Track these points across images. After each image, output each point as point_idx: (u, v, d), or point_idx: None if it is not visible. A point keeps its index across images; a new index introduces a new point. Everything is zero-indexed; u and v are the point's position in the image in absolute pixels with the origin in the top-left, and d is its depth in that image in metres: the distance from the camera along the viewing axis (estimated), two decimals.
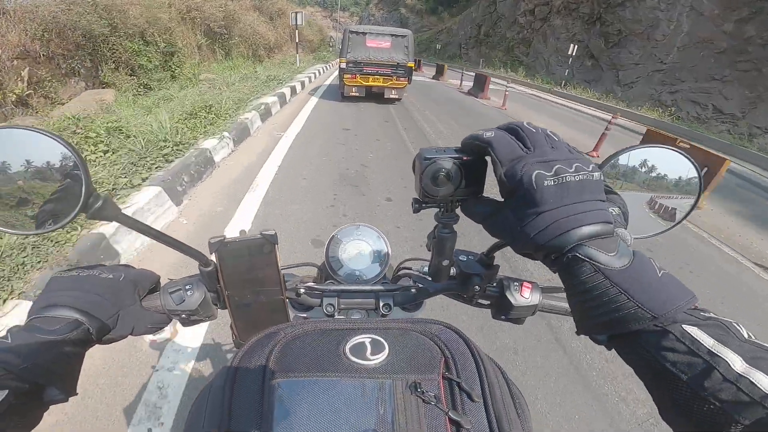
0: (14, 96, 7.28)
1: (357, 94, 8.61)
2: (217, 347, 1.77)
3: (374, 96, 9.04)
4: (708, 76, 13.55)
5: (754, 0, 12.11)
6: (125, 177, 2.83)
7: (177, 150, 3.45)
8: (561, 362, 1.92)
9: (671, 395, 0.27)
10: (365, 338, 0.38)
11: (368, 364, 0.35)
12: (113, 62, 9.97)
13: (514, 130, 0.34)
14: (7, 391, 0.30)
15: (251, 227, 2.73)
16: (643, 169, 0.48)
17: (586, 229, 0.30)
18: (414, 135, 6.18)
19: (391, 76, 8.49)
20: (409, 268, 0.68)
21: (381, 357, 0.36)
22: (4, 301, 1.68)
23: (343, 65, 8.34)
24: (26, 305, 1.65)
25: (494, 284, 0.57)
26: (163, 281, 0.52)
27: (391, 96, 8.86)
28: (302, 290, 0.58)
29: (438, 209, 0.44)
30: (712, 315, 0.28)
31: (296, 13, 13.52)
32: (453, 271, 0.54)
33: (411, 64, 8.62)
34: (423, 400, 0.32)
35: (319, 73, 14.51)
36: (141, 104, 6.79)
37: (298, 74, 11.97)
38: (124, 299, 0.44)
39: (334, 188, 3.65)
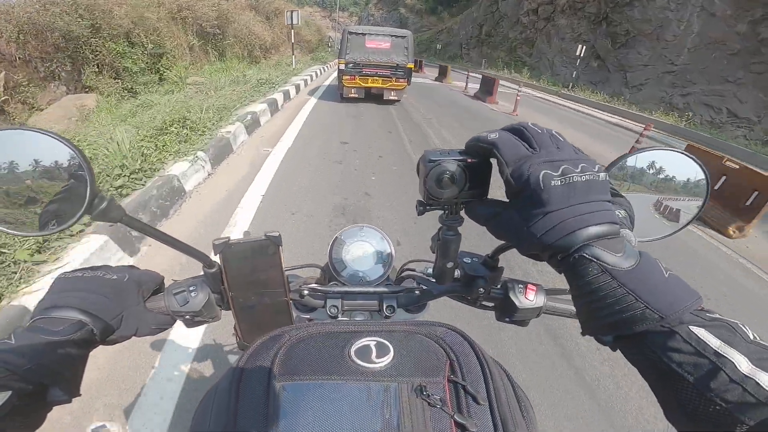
0: None
1: (356, 96, 8.53)
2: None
3: (374, 98, 8.92)
4: (721, 78, 13.06)
5: None
6: None
7: (135, 180, 2.83)
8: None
9: (677, 396, 0.27)
10: (370, 341, 0.37)
11: (373, 367, 0.35)
12: (96, 65, 9.39)
13: (518, 131, 0.34)
14: (10, 392, 0.30)
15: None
16: (651, 171, 0.48)
17: (593, 230, 0.30)
18: (421, 149, 5.46)
19: (391, 78, 8.45)
20: (413, 270, 0.67)
21: (386, 360, 0.36)
22: None
23: (342, 66, 8.26)
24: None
25: (498, 286, 0.57)
26: (167, 282, 0.52)
27: (391, 97, 8.82)
28: (306, 292, 0.58)
29: (442, 211, 0.44)
30: (718, 316, 0.28)
31: (292, 11, 12.86)
32: (457, 273, 0.55)
33: (410, 65, 8.55)
34: (428, 403, 0.32)
35: (316, 75, 13.89)
36: (118, 113, 6.20)
37: (294, 77, 11.37)
38: (128, 300, 0.43)
39: (330, 225, 3.00)
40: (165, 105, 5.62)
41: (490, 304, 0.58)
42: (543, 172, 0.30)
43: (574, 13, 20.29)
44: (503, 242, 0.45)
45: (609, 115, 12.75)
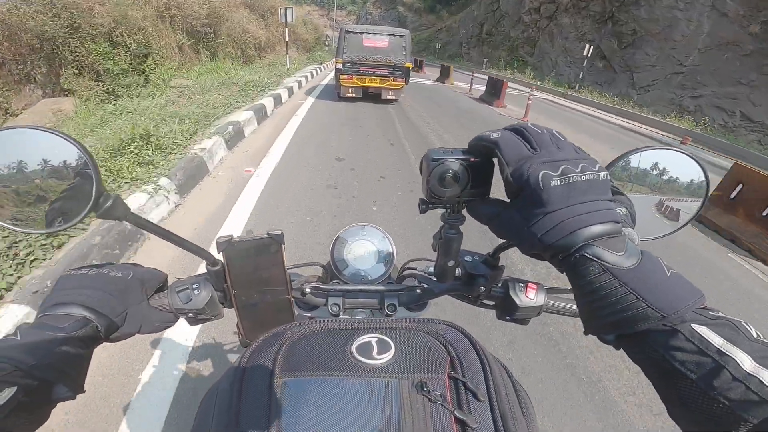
0: None
1: (353, 95, 8.42)
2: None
3: (372, 99, 8.73)
4: (733, 80, 12.60)
5: None
6: None
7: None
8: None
9: (680, 394, 0.27)
10: (371, 338, 0.38)
11: (375, 364, 0.35)
12: (75, 66, 8.79)
13: (520, 131, 0.34)
14: (16, 388, 0.30)
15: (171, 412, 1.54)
16: (655, 172, 0.48)
17: (594, 229, 0.30)
18: None
19: (388, 77, 8.33)
20: (414, 269, 0.67)
21: (387, 356, 0.36)
22: None
23: (340, 66, 8.10)
24: None
25: (499, 285, 0.57)
26: (170, 280, 0.52)
27: (389, 97, 8.71)
28: (308, 290, 0.58)
29: (444, 210, 0.44)
30: (721, 314, 0.28)
31: (286, 8, 12.18)
32: (458, 271, 0.55)
33: (408, 64, 8.43)
34: (429, 400, 0.33)
35: (312, 75, 13.28)
36: (90, 122, 5.60)
37: (287, 78, 10.75)
38: (131, 297, 0.44)
39: None
40: (141, 112, 5.02)
41: (491, 303, 0.58)
42: (542, 172, 0.30)
43: (577, 11, 19.72)
44: (504, 241, 0.45)
45: (624, 120, 12.10)
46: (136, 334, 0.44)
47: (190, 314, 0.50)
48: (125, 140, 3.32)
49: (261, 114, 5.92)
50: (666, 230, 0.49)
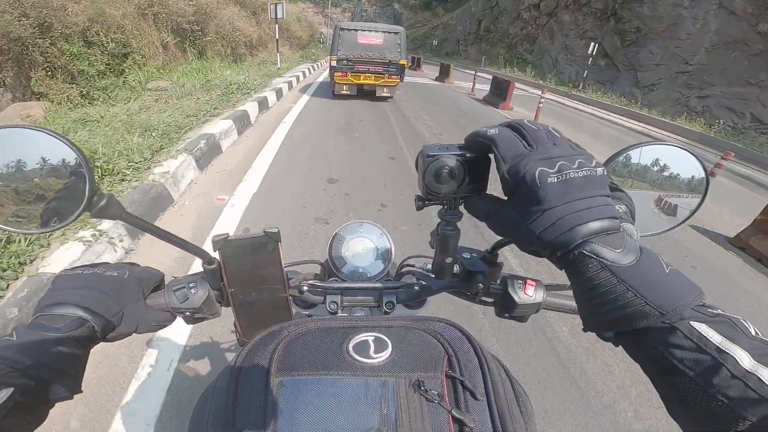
0: None
1: (348, 93, 8.37)
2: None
3: (367, 96, 8.67)
4: (742, 80, 12.15)
5: None
6: None
7: None
8: None
9: (678, 392, 0.26)
10: (368, 336, 0.37)
11: (371, 363, 0.35)
12: (47, 68, 8.12)
13: (516, 128, 0.34)
14: (13, 389, 0.30)
15: None
16: (655, 168, 0.48)
17: (592, 225, 0.30)
18: None
19: (383, 74, 8.24)
20: (413, 266, 0.67)
21: (384, 355, 0.36)
22: None
23: (334, 63, 8.02)
24: None
25: (498, 281, 0.57)
26: (167, 279, 0.52)
27: (383, 94, 8.60)
28: (305, 288, 0.58)
29: (441, 206, 0.43)
30: (720, 312, 0.27)
31: (276, 4, 11.51)
32: (456, 268, 0.55)
33: (403, 61, 8.33)
34: (426, 399, 0.32)
35: (304, 75, 12.64)
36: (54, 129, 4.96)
37: (277, 78, 10.12)
38: (128, 297, 0.44)
39: None
40: (107, 121, 4.43)
41: (490, 300, 0.58)
42: (539, 169, 0.30)
43: (578, 8, 19.18)
44: (502, 238, 0.45)
45: (635, 122, 11.57)
46: (133, 334, 0.45)
47: (187, 313, 0.50)
48: None
49: (243, 122, 5.32)
50: (665, 226, 0.49)
